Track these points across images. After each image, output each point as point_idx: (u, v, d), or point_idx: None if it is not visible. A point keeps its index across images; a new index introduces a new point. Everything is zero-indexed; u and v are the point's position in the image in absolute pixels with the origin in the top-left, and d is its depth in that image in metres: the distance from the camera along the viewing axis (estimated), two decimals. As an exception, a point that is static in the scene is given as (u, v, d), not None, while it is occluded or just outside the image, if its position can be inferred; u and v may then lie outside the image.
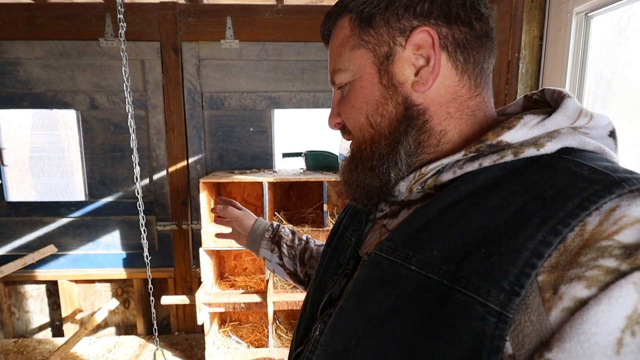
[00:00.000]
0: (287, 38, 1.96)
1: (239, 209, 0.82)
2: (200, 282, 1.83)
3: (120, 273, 2.10)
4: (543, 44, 1.29)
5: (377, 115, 0.43)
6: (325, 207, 1.77)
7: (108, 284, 2.18)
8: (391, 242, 0.39)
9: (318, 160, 1.95)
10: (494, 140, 0.37)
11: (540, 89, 0.46)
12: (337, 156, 1.91)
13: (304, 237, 0.81)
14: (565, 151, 0.35)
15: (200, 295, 1.73)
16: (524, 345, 0.28)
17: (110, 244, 2.10)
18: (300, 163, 2.07)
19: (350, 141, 0.49)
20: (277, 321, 2.03)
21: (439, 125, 0.42)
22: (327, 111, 2.12)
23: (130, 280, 2.14)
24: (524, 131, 0.37)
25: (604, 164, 0.33)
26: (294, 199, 2.08)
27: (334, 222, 1.91)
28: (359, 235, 0.50)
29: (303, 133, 2.15)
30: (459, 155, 0.38)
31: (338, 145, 1.81)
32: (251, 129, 2.05)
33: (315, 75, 2.02)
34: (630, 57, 1.13)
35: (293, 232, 0.81)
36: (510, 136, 0.37)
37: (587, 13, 1.22)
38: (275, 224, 0.81)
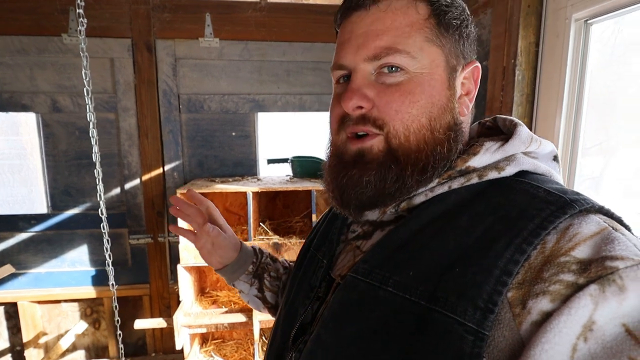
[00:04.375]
0: (271, 37, 1.85)
1: (222, 228, 0.66)
2: (179, 299, 1.69)
3: (89, 292, 1.92)
4: (539, 51, 1.25)
5: (439, 121, 0.42)
6: (313, 216, 1.68)
7: (75, 304, 1.99)
8: (366, 263, 0.39)
9: (305, 167, 1.85)
10: (463, 166, 0.41)
11: (492, 116, 0.48)
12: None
13: (287, 264, 0.73)
14: (521, 174, 0.40)
15: (179, 317, 1.59)
16: None
17: (77, 260, 1.91)
18: (286, 169, 1.97)
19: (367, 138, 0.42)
20: (263, 337, 1.92)
21: (457, 147, 0.43)
22: (314, 115, 2.03)
23: (100, 299, 1.96)
24: (487, 156, 0.41)
25: (554, 186, 0.37)
26: (280, 208, 1.98)
27: (322, 232, 1.83)
28: (331, 257, 0.49)
29: (289, 138, 2.04)
30: (433, 184, 0.41)
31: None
32: (233, 134, 1.92)
33: (302, 77, 1.92)
34: (630, 67, 1.10)
35: (275, 260, 0.72)
36: (476, 161, 0.40)
37: (587, 20, 1.19)
38: (258, 250, 0.70)
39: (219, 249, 0.65)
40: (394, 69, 0.40)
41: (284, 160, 1.90)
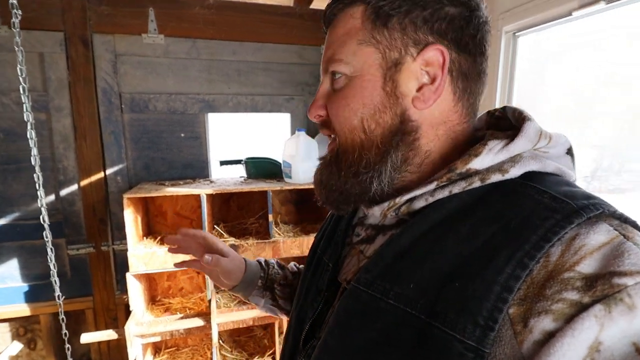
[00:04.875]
0: (220, 36, 1.81)
1: (222, 253, 0.69)
2: (127, 310, 1.60)
3: (22, 309, 1.74)
4: None
5: (372, 122, 0.41)
6: (270, 217, 1.69)
7: (6, 324, 1.79)
8: (368, 273, 0.39)
9: (260, 168, 1.85)
10: (463, 169, 0.38)
11: (502, 106, 0.46)
12: (280, 163, 1.83)
13: (296, 269, 0.76)
14: (527, 176, 0.37)
15: (131, 327, 1.51)
16: None
17: (7, 275, 1.72)
18: (240, 171, 1.94)
19: (329, 141, 0.47)
20: (220, 340, 1.89)
21: (426, 145, 0.42)
22: (267, 116, 2.02)
23: (36, 316, 1.79)
24: (489, 157, 0.38)
25: (563, 190, 0.34)
26: (235, 210, 1.95)
27: (279, 232, 1.84)
28: (337, 260, 0.49)
29: (242, 139, 2.01)
30: (431, 187, 0.39)
31: (282, 151, 1.73)
32: (182, 135, 1.85)
33: (253, 77, 1.90)
34: (552, 77, 1.26)
35: (282, 267, 0.75)
36: (478, 163, 0.38)
37: (515, 33, 1.33)
38: (264, 263, 0.73)
39: (223, 273, 0.68)
40: (337, 75, 0.43)
41: (238, 162, 1.88)
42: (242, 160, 1.87)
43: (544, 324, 0.28)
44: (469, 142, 0.42)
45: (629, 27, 0.97)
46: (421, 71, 0.40)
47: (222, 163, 1.84)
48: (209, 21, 1.78)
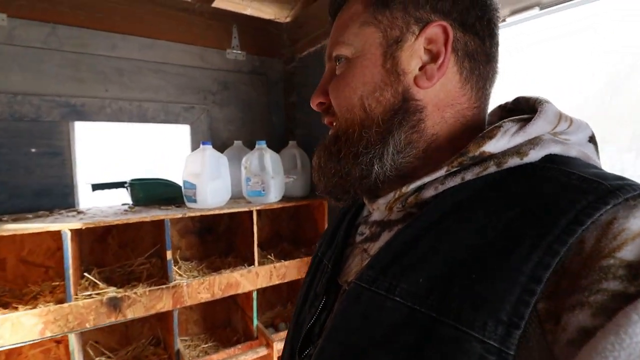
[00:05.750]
0: (94, 24, 1.41)
1: None
2: None
3: None
4: None
5: (372, 99, 0.40)
6: (168, 253, 1.30)
7: None
8: (371, 269, 0.36)
9: (151, 192, 1.45)
10: (476, 152, 0.35)
11: (514, 98, 0.44)
12: (179, 186, 1.47)
13: None
14: (549, 159, 0.34)
15: None
16: None
17: None
18: (122, 196, 1.50)
19: (331, 130, 0.46)
20: None
21: (432, 128, 0.40)
22: (159, 127, 1.64)
23: None
24: (505, 139, 0.35)
25: (592, 171, 0.31)
26: (115, 248, 1.48)
27: (180, 272, 1.45)
28: (336, 261, 0.47)
29: (125, 156, 1.58)
30: (441, 172, 0.37)
31: (181, 170, 1.38)
32: (33, 150, 1.34)
33: (141, 80, 1.52)
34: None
35: None
36: (492, 146, 0.35)
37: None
38: None
39: None
40: (340, 60, 0.43)
41: (119, 185, 1.44)
42: (125, 183, 1.44)
43: (579, 319, 0.24)
44: (482, 131, 0.39)
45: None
46: (424, 49, 0.39)
47: (96, 187, 1.39)
48: (78, 3, 1.37)
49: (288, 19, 1.84)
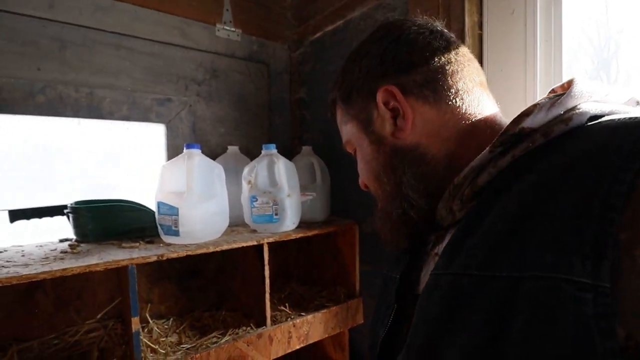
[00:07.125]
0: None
1: None
2: None
3: None
4: (484, 33, 0.93)
5: (377, 169, 0.50)
6: (134, 322, 0.81)
7: None
8: (443, 257, 0.37)
9: (107, 221, 0.95)
10: (516, 129, 0.37)
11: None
12: (150, 211, 0.99)
13: None
14: (594, 118, 0.35)
15: None
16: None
17: None
18: (60, 228, 0.99)
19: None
20: None
21: (441, 151, 0.45)
22: (120, 126, 1.16)
23: None
24: (542, 114, 0.37)
25: None
26: (49, 309, 0.96)
27: (152, 342, 0.95)
28: (404, 272, 0.49)
29: (66, 167, 1.07)
30: (485, 153, 0.38)
31: (155, 186, 0.91)
32: None
33: (94, 56, 1.04)
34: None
35: None
36: (530, 121, 0.37)
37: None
38: None
39: None
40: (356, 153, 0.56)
41: (54, 211, 0.94)
42: (64, 208, 0.94)
43: None
44: (493, 116, 0.46)
45: None
46: (387, 112, 0.47)
47: (15, 216, 0.88)
48: None
49: (293, -6, 1.44)
